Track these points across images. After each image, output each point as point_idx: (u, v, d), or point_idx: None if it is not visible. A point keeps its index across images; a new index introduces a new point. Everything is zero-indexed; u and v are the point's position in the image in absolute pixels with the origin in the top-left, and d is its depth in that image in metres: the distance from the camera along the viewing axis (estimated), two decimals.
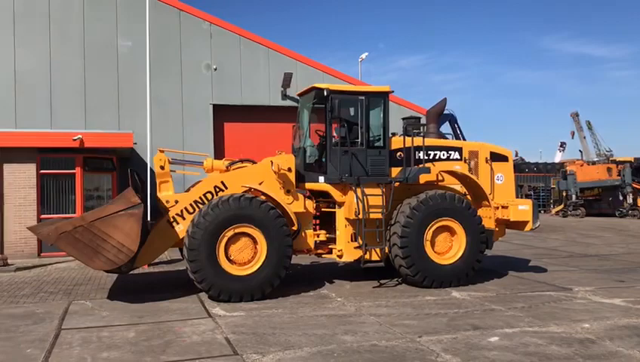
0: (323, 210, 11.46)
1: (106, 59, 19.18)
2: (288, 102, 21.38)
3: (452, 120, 36.42)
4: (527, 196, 38.37)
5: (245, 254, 10.03)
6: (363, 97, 11.07)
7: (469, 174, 11.77)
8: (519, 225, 11.92)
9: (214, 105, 20.34)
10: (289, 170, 10.82)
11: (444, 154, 11.76)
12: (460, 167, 11.80)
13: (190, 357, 6.76)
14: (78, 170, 16.20)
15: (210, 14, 20.99)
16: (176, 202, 10.46)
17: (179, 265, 13.87)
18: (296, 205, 10.83)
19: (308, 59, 22.14)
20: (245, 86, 20.89)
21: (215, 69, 20.47)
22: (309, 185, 11.19)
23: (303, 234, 11.02)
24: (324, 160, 11.06)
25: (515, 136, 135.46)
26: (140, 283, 12.00)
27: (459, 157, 11.87)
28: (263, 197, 10.37)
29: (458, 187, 12.00)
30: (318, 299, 10.07)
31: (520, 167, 45.15)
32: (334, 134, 11.06)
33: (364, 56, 34.66)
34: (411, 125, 12.15)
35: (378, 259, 11.13)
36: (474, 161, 12.03)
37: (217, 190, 10.56)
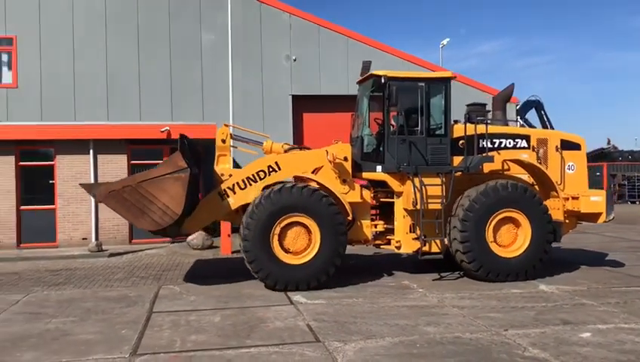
0: (382, 200, 11.22)
1: (190, 53, 19.84)
2: None
3: (538, 106, 35.07)
4: (621, 186, 36.27)
5: (300, 243, 10.02)
6: (423, 83, 10.71)
7: (536, 163, 11.16)
8: (591, 218, 11.25)
9: (293, 96, 20.56)
10: (345, 159, 10.67)
11: (510, 142, 11.18)
12: (527, 156, 11.22)
13: (274, 343, 6.89)
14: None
15: (290, 5, 21.18)
16: (230, 176, 10.67)
17: None
18: (352, 195, 10.63)
19: (387, 46, 21.90)
20: (324, 76, 20.96)
21: (294, 60, 20.66)
22: (366, 175, 10.98)
23: (360, 224, 10.81)
24: (381, 149, 10.79)
25: (606, 122, 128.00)
26: (223, 269, 12.36)
27: (526, 146, 11.26)
28: (316, 185, 10.29)
29: (525, 177, 11.41)
30: (399, 289, 9.98)
31: (612, 155, 42.76)
32: (392, 122, 10.82)
33: (445, 42, 33.91)
34: (475, 112, 11.64)
35: (438, 250, 10.84)
36: (543, 150, 11.37)
37: (270, 170, 10.62)
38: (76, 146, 16.29)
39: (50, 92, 19.13)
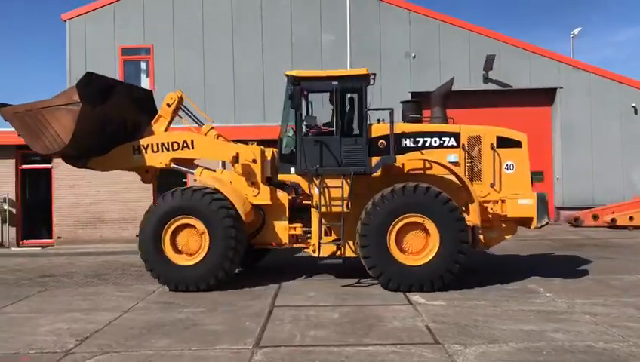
0: (304, 202, 10.84)
1: (311, 55, 20.35)
2: (491, 86, 20.54)
3: None
4: None
5: (192, 245, 10.07)
6: (336, 82, 10.19)
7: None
8: (523, 222, 10.18)
9: (413, 93, 20.32)
10: (253, 161, 10.57)
11: (435, 141, 10.33)
12: (456, 156, 10.30)
13: (391, 342, 6.84)
14: None
15: (409, 2, 20.96)
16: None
17: None
18: (260, 197, 10.51)
19: (512, 39, 21.05)
20: (444, 71, 20.50)
21: (414, 57, 20.42)
22: (281, 177, 10.69)
23: (272, 226, 10.65)
24: (294, 150, 10.44)
25: None
26: (341, 267, 12.47)
27: (455, 144, 10.35)
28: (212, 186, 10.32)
29: (463, 176, 10.32)
30: (525, 293, 9.49)
31: None
32: (305, 123, 10.45)
33: (576, 31, 31.75)
34: (408, 110, 11.04)
35: (354, 255, 10.32)
36: (477, 148, 10.38)
37: (184, 145, 10.77)
38: None
39: None
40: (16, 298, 9.86)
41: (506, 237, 10.60)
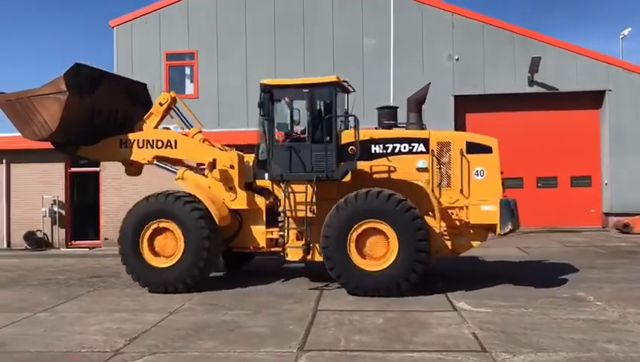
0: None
1: (352, 58, 20.31)
2: (536, 89, 20.16)
3: None
4: None
5: (168, 247, 10.35)
6: (307, 90, 10.27)
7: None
8: (489, 229, 10.04)
9: (456, 97, 20.10)
10: (231, 167, 10.80)
11: (405, 147, 10.30)
12: (425, 162, 10.26)
13: (437, 349, 6.76)
14: None
15: (452, 4, 20.77)
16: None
17: None
18: (237, 202, 10.77)
19: (558, 40, 20.60)
20: (488, 74, 20.25)
21: (457, 60, 20.20)
22: (259, 182, 10.97)
23: (249, 230, 10.86)
24: (268, 157, 10.59)
25: None
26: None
27: (424, 150, 10.32)
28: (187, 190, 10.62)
29: (424, 182, 10.17)
30: (573, 301, 9.24)
31: None
32: (277, 130, 10.61)
33: (626, 32, 30.80)
34: (383, 116, 11.06)
35: (321, 259, 10.27)
36: (447, 154, 10.24)
37: (168, 144, 11.04)
38: (248, 151, 17.41)
39: (225, 101, 20.75)
40: (67, 297, 10.17)
41: (474, 243, 10.49)
